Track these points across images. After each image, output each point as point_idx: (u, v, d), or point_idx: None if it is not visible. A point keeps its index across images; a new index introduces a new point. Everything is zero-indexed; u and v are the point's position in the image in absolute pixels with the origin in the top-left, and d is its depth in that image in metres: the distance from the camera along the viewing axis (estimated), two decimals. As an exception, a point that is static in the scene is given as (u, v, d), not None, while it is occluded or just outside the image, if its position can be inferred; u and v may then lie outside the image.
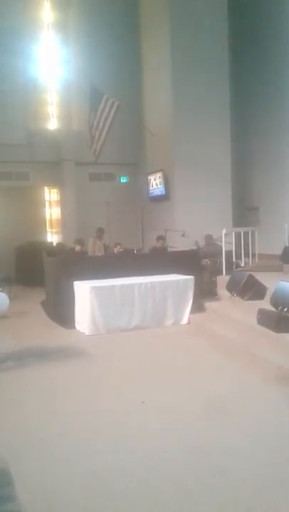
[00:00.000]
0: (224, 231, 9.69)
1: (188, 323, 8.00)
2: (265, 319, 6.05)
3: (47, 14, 14.88)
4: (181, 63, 12.97)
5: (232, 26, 13.59)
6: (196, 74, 12.92)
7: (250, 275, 7.69)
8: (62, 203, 15.39)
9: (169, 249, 10.66)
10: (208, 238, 10.64)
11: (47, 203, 16.02)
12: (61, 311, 8.20)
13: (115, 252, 10.72)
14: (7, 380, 5.32)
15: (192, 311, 8.07)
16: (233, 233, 10.21)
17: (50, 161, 14.88)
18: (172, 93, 13.16)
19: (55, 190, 15.79)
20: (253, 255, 10.53)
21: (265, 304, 6.52)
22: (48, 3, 14.88)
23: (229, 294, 7.94)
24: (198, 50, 12.95)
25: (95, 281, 7.86)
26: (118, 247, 10.70)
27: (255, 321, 6.22)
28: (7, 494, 1.29)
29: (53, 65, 14.79)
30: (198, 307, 8.21)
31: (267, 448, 3.56)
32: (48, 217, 15.99)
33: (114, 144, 14.27)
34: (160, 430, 3.91)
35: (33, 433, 3.91)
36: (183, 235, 11.17)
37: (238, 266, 9.86)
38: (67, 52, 14.69)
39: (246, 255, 10.31)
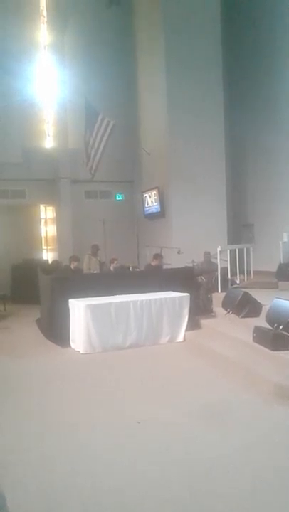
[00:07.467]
0: (219, 248, 9.73)
1: (184, 340, 7.97)
2: (261, 337, 6.04)
3: (44, 36, 15.20)
4: (177, 83, 13.20)
5: (227, 47, 13.88)
6: (191, 93, 13.14)
7: (246, 292, 7.70)
8: (58, 220, 15.45)
9: (165, 267, 10.66)
10: (207, 255, 10.68)
11: (43, 221, 16.09)
12: (56, 330, 8.14)
13: (112, 268, 10.71)
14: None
15: (188, 329, 8.03)
16: (228, 250, 10.23)
17: (47, 178, 14.99)
18: (168, 112, 13.34)
19: (51, 208, 15.87)
20: (248, 272, 10.56)
21: (261, 322, 6.52)
22: (45, 25, 15.20)
23: (225, 312, 7.94)
24: (194, 70, 13.20)
25: (90, 299, 7.84)
26: (115, 262, 10.69)
27: (251, 339, 6.21)
28: None
29: (50, 85, 15.02)
30: (193, 324, 8.18)
31: (268, 467, 3.52)
32: (43, 234, 16.03)
33: (110, 162, 14.39)
34: (159, 449, 3.85)
35: (31, 452, 3.86)
36: (178, 252, 11.18)
37: (233, 283, 9.87)
38: (64, 72, 14.93)
39: (241, 272, 10.33)
